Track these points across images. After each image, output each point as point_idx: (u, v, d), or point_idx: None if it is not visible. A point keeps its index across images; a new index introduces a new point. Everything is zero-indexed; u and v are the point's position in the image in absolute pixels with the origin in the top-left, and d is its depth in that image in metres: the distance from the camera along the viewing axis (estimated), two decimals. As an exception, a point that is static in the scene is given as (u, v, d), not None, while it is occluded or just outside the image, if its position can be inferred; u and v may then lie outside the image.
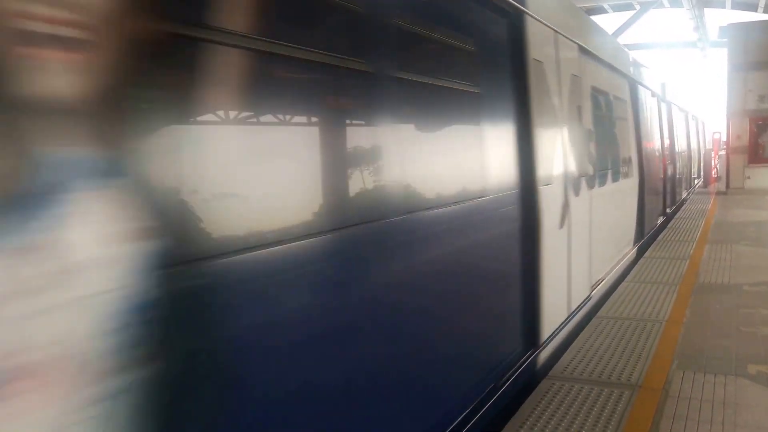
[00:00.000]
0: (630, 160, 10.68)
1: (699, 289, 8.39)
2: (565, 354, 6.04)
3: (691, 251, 11.16)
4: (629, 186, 10.67)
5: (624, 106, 10.66)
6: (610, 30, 25.34)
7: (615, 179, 9.28)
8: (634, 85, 11.50)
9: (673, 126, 17.51)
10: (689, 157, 23.30)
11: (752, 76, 22.93)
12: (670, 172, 16.65)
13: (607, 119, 9.37)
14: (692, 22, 29.44)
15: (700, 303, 7.69)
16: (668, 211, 16.32)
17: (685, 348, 6.10)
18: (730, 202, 19.46)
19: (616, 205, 9.59)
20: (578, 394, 5.07)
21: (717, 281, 8.79)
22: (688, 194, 22.88)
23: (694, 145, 25.65)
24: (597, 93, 8.52)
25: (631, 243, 10.88)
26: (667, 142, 16.04)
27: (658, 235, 13.32)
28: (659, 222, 14.44)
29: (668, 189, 16.46)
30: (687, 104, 22.75)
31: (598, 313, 7.36)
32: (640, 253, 11.14)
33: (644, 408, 4.78)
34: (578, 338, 6.50)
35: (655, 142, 13.82)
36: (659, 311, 7.36)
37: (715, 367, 5.56)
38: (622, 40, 26.92)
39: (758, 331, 6.52)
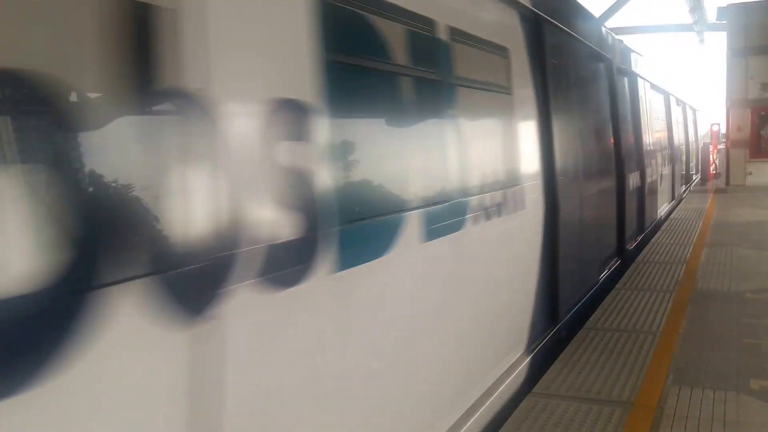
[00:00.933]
0: (516, 172, 6.15)
1: (697, 296, 8.50)
2: (551, 368, 6.08)
3: (688, 255, 11.29)
4: (514, 229, 6.11)
5: (504, 65, 6.12)
6: (598, 12, 25.50)
7: (457, 223, 4.88)
8: (540, 26, 6.97)
9: (641, 110, 13.22)
10: (672, 156, 19.30)
11: (754, 62, 23.21)
12: (633, 181, 12.04)
13: (432, 90, 4.70)
14: (688, 3, 29.82)
15: (698, 312, 7.78)
16: (630, 246, 11.81)
17: (682, 362, 6.17)
18: (730, 201, 19.74)
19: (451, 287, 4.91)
20: (565, 412, 5.10)
21: (716, 288, 8.91)
22: (673, 207, 19.22)
23: (681, 139, 22.58)
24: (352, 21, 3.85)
25: (522, 347, 6.35)
26: (629, 135, 11.99)
27: (604, 296, 8.84)
28: (605, 274, 9.88)
29: (631, 210, 11.96)
30: (670, 84, 19.68)
31: (586, 325, 7.42)
32: (550, 356, 6.65)
33: (637, 428, 4.83)
34: (564, 351, 6.54)
35: (601, 136, 9.76)
36: (653, 321, 7.44)
37: (714, 383, 5.63)
38: (611, 23, 27.19)
39: (762, 342, 6.62)
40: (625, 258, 11.21)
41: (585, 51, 9.12)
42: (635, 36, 32.70)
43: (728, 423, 4.86)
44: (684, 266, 10.37)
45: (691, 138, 27.87)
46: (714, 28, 31.97)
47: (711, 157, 28.42)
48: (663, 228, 14.82)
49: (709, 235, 13.47)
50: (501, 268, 5.87)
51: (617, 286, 9.26)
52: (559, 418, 5.00)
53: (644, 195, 13.38)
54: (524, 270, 6.50)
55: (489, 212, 5.38)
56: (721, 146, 27.56)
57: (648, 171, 13.74)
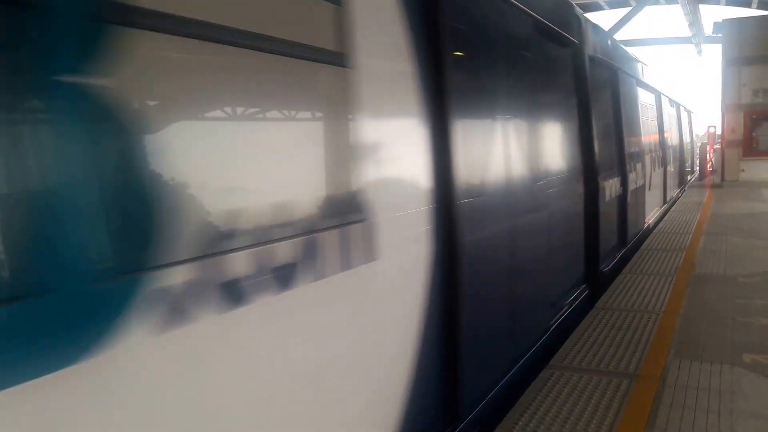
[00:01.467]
0: (352, 200, 3.20)
1: (695, 280, 8.40)
2: (565, 344, 6.06)
3: (687, 243, 11.16)
4: (340, 299, 3.07)
5: (333, 18, 3.13)
6: (606, 26, 25.23)
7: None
8: None
9: (623, 109, 10.21)
10: (664, 158, 15.88)
11: (746, 71, 22.98)
12: (611, 190, 9.04)
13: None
14: (687, 18, 29.44)
15: (697, 294, 7.70)
16: (605, 268, 8.69)
17: (682, 337, 6.11)
18: (725, 195, 19.45)
19: None
20: (578, 382, 5.09)
21: (713, 272, 8.79)
22: (665, 211, 15.82)
23: (675, 140, 19.54)
24: None
25: None
26: (606, 136, 9.19)
27: (561, 343, 6.17)
28: (562, 314, 6.78)
29: (608, 223, 8.96)
30: (663, 84, 16.69)
31: (597, 305, 7.37)
32: None
33: (642, 396, 4.81)
34: (577, 329, 6.51)
35: (558, 138, 6.92)
36: (656, 302, 7.37)
37: (711, 356, 5.57)
38: (618, 36, 26.91)
39: (753, 321, 6.54)
40: (600, 282, 8.25)
41: (528, 23, 5.82)
42: (640, 48, 32.35)
43: (723, 392, 4.81)
44: (684, 253, 10.25)
45: (687, 139, 25.19)
46: (710, 40, 31.57)
47: (708, 155, 28.29)
48: (656, 231, 13.21)
49: (706, 225, 13.28)
50: (303, 380, 2.81)
51: (583, 323, 6.73)
52: (573, 388, 5.00)
53: (626, 203, 10.11)
54: (376, 364, 3.39)
55: (245, 286, 2.41)
56: (717, 146, 27.34)
57: (632, 176, 10.55)
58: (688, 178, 25.35)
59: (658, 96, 15.56)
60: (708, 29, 30.80)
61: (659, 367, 5.37)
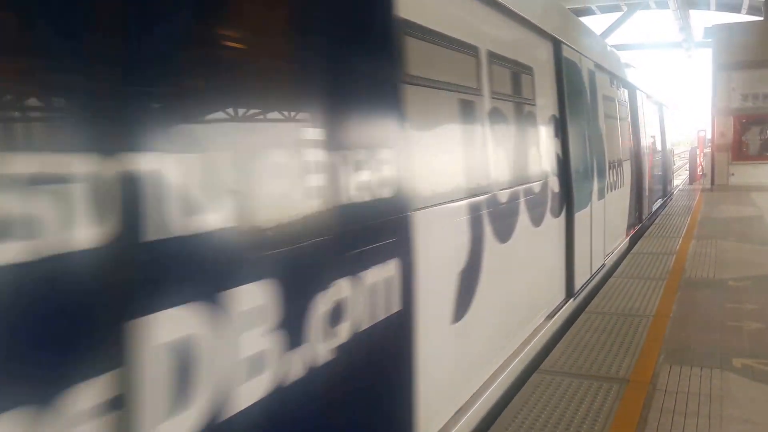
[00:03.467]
0: None
1: (685, 284, 8.39)
2: (555, 348, 6.03)
3: (677, 246, 11.16)
4: None
5: None
6: (598, 31, 25.26)
7: None
8: None
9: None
10: (602, 184, 9.09)
11: (736, 76, 23.10)
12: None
13: None
14: (678, 23, 29.58)
15: (687, 298, 7.68)
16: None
17: (672, 342, 6.09)
18: (715, 199, 19.49)
19: None
20: (568, 388, 5.06)
21: (703, 276, 8.79)
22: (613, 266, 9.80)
23: (630, 149, 12.35)
24: None
25: None
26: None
27: None
28: None
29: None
30: (588, 35, 9.26)
31: (587, 309, 7.35)
32: None
33: (632, 401, 4.77)
34: (567, 333, 6.49)
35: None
36: (646, 306, 7.35)
37: (701, 361, 5.55)
38: (610, 40, 27.01)
39: (743, 325, 6.52)
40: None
41: None
42: (631, 52, 32.49)
43: (713, 397, 4.79)
44: (674, 257, 10.24)
45: (656, 146, 16.96)
46: (701, 45, 31.74)
47: (699, 159, 28.41)
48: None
49: (697, 229, 13.30)
50: None
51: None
52: (564, 393, 4.97)
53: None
54: None
55: None
56: (708, 150, 27.45)
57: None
58: (654, 208, 16.53)
59: (609, 75, 9.12)
60: (698, 35, 30.96)
61: (649, 371, 5.34)
